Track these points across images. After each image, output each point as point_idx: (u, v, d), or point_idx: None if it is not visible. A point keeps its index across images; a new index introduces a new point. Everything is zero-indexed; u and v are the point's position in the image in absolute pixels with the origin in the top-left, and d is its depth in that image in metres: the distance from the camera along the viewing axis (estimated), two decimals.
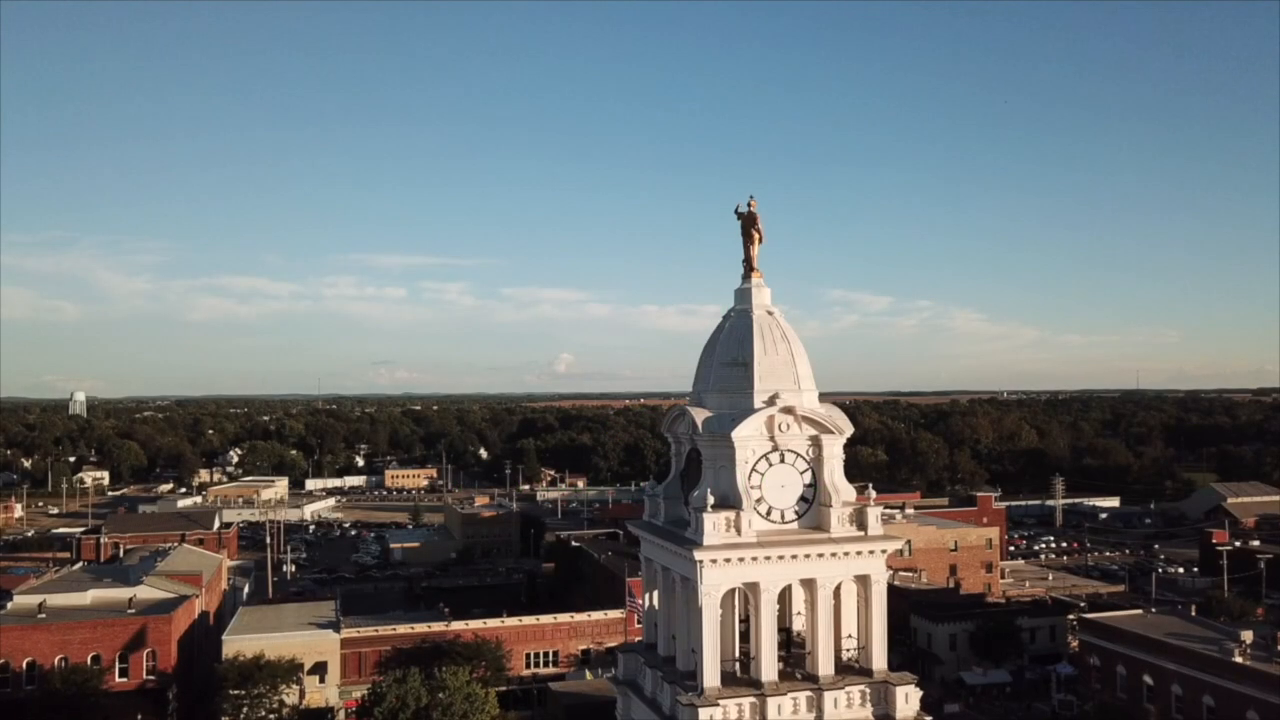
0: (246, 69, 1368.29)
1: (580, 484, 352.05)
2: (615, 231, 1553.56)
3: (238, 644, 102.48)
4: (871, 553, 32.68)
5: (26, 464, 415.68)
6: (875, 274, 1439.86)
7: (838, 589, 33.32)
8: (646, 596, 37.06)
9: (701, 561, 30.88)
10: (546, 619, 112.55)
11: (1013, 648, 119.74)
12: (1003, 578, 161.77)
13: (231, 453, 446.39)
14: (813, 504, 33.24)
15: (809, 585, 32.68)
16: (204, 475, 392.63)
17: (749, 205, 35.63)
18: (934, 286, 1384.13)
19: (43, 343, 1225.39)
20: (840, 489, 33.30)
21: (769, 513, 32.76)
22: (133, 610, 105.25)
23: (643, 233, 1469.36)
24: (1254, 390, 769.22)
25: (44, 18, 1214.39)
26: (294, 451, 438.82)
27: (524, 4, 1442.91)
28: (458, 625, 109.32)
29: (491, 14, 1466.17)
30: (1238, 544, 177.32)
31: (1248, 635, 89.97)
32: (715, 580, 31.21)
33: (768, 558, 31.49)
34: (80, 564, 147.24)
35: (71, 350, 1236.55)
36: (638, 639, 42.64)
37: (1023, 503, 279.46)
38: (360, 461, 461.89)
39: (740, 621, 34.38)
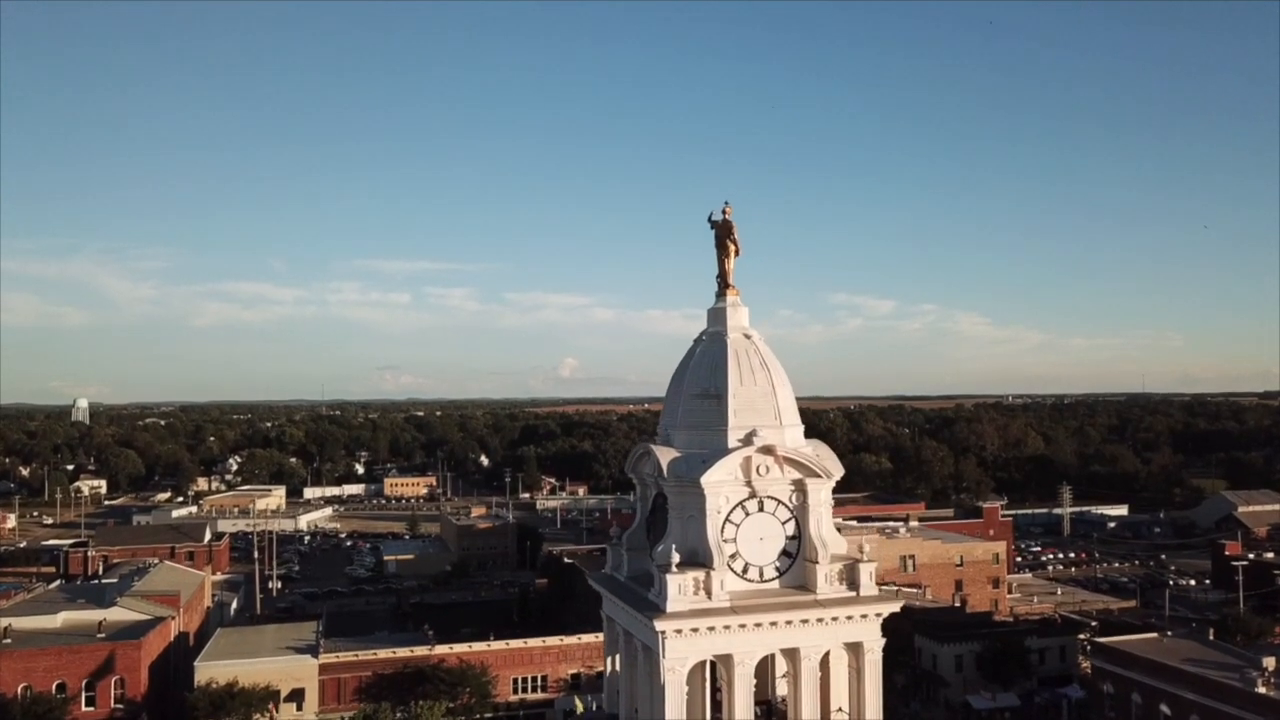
0: (251, 74, 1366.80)
1: (581, 492, 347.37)
2: (618, 236, 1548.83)
3: (211, 670, 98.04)
4: (864, 617, 28.13)
5: (25, 472, 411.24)
6: (879, 277, 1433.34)
7: (826, 656, 28.78)
8: (608, 661, 32.54)
9: (664, 632, 26.38)
10: (535, 642, 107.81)
11: (1021, 670, 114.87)
12: (1010, 592, 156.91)
13: (231, 460, 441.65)
14: (796, 559, 28.76)
15: (791, 655, 28.16)
16: (202, 484, 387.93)
17: (724, 213, 31.19)
18: (938, 290, 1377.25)
19: (48, 349, 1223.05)
20: (828, 541, 28.77)
21: (745, 570, 28.29)
22: (102, 635, 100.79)
23: (646, 237, 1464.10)
24: (1260, 394, 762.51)
25: (48, 21, 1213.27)
26: (293, 459, 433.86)
27: (527, 8, 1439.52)
28: (441, 649, 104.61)
29: (495, 19, 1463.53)
30: (1252, 556, 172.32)
31: (1270, 662, 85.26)
32: (680, 653, 26.72)
33: (743, 626, 26.97)
34: (57, 582, 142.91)
35: (76, 356, 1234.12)
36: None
37: (1029, 511, 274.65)
38: (360, 469, 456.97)
39: (714, 691, 29.86)
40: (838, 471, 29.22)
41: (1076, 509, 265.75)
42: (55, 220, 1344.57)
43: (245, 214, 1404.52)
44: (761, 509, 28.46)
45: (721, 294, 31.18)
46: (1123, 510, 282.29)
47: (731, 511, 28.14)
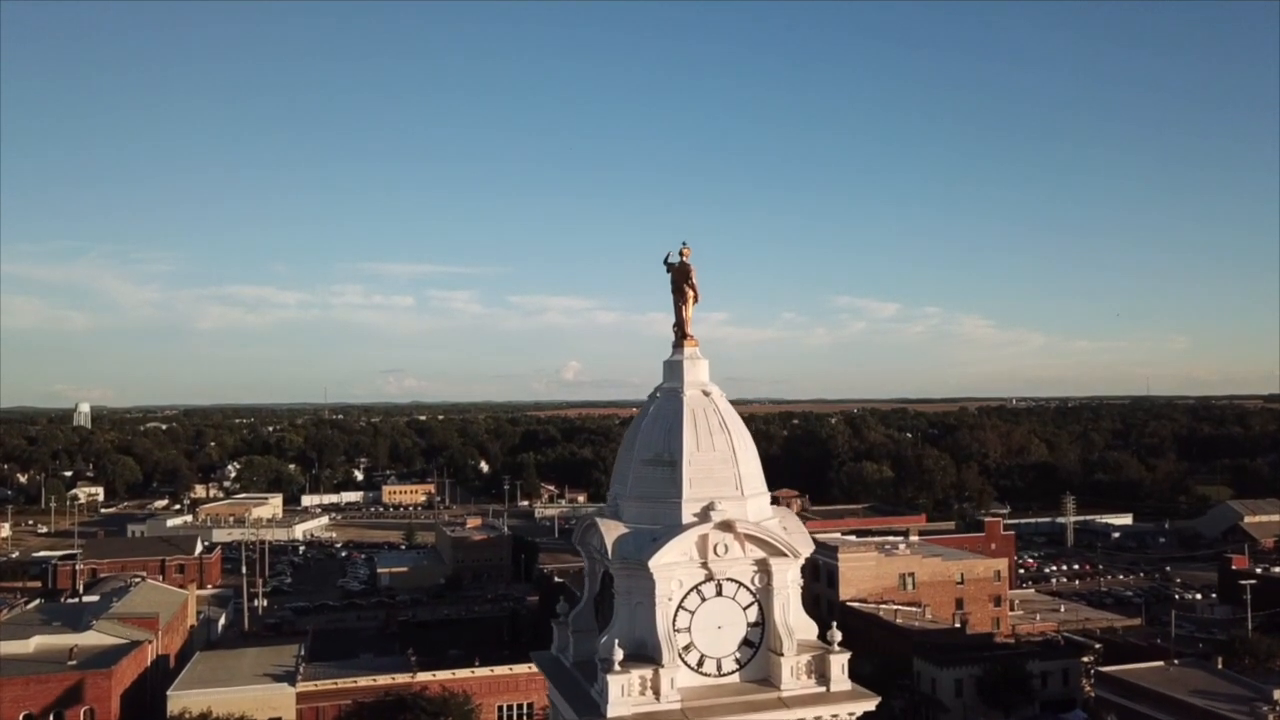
0: (254, 77, 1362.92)
1: (581, 499, 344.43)
2: (620, 238, 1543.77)
3: (184, 699, 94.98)
4: (835, 717, 24.87)
5: (23, 479, 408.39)
6: (882, 280, 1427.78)
7: None
8: None
9: None
10: (521, 668, 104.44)
11: (1023, 695, 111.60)
12: (1012, 610, 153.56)
13: (229, 467, 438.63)
14: (759, 649, 25.46)
15: None
16: (200, 491, 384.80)
17: (681, 255, 27.95)
18: (941, 293, 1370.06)
19: (52, 352, 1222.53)
20: (795, 629, 25.47)
21: (700, 663, 24.98)
22: (73, 662, 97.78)
23: (648, 239, 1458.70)
24: (1264, 396, 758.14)
25: (50, 23, 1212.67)
26: (292, 466, 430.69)
27: (531, 9, 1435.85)
28: (424, 676, 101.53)
29: (497, 19, 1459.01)
30: (1259, 571, 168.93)
31: None
32: None
33: None
34: (36, 601, 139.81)
35: (81, 360, 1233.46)
36: None
37: (1032, 520, 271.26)
38: (359, 476, 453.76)
39: None
40: (807, 549, 25.96)
41: (1080, 518, 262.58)
42: (58, 224, 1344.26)
43: (247, 217, 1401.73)
44: (720, 593, 25.22)
45: (678, 345, 27.87)
46: (1127, 519, 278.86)
47: (685, 597, 24.90)
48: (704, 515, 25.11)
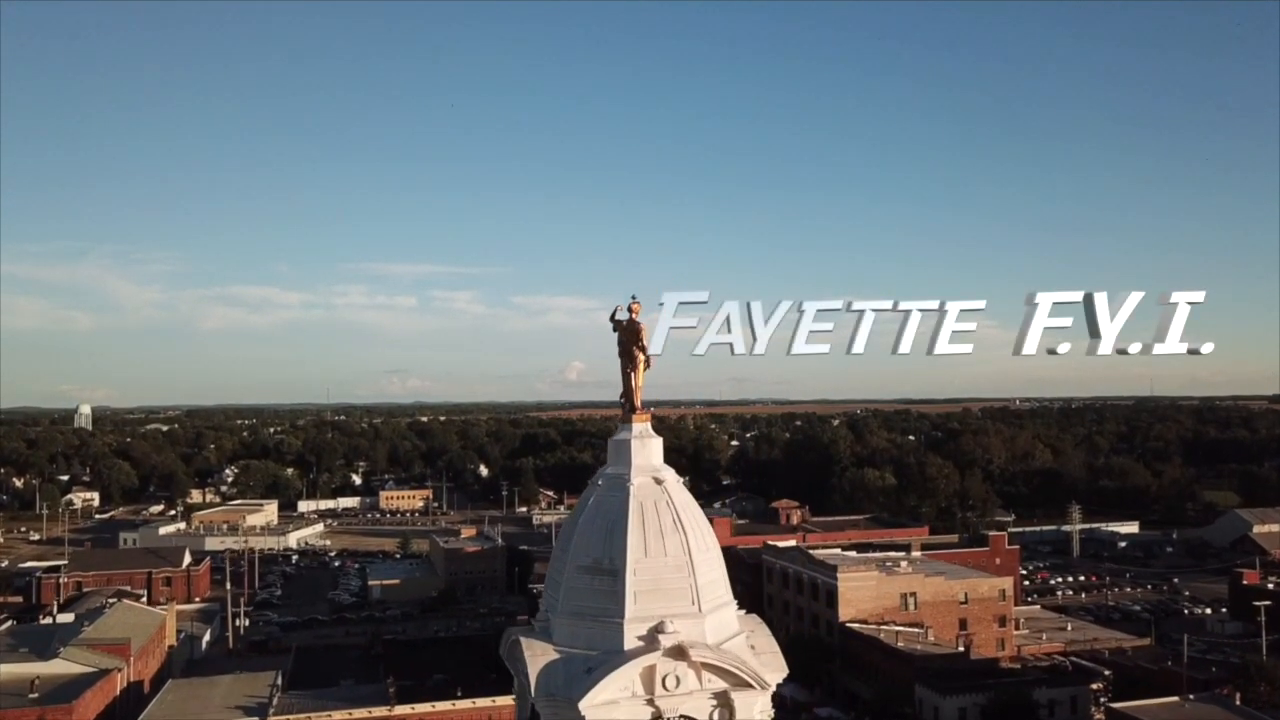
0: (257, 76, 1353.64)
1: None
2: (623, 238, 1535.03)
3: None
4: None
5: (19, 484, 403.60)
6: (883, 280, 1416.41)
7: None
8: None
9: None
10: (503, 700, 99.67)
11: None
12: (1017, 628, 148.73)
13: (227, 471, 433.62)
14: None
15: None
16: (197, 496, 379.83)
17: (630, 310, 23.39)
18: (942, 293, 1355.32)
19: (55, 353, 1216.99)
20: None
21: None
22: (35, 694, 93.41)
23: (649, 239, 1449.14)
24: (1269, 397, 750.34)
25: (50, 23, 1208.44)
26: (289, 470, 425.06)
27: (531, 7, 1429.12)
28: (402, 709, 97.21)
29: (498, 19, 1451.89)
30: (1271, 585, 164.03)
31: None
32: None
33: None
34: (9, 623, 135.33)
35: (84, 360, 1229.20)
36: None
37: (1037, 528, 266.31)
38: (358, 480, 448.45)
39: None
40: (778, 675, 21.37)
41: (1086, 526, 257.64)
42: (61, 224, 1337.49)
43: (250, 217, 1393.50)
44: None
45: (626, 420, 23.33)
46: (1133, 528, 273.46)
47: None
48: (651, 639, 20.55)
